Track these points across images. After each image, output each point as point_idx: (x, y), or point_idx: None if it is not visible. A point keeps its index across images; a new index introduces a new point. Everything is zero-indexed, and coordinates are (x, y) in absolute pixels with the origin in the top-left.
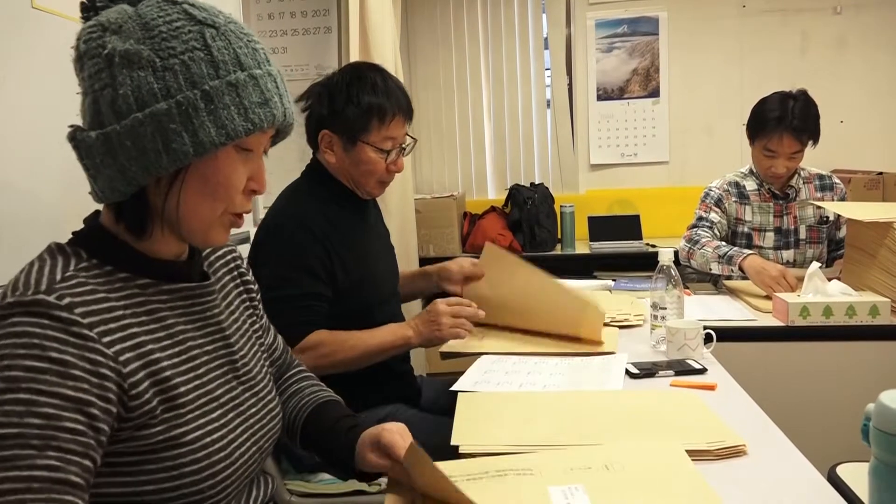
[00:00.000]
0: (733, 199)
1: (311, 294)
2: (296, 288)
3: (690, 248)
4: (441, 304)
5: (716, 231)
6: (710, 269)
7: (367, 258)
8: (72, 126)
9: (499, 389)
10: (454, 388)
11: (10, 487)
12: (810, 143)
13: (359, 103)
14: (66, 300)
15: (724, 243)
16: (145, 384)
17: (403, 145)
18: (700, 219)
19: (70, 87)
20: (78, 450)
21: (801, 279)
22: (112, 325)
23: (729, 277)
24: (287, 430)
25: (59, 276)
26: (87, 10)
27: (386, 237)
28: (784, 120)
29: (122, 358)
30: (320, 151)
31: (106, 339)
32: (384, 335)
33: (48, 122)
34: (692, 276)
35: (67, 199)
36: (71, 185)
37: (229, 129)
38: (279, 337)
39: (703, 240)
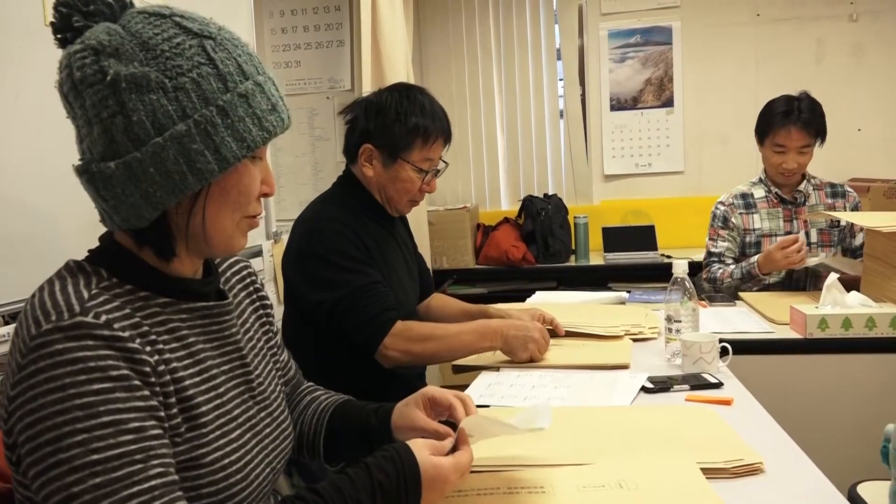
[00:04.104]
0: (739, 211)
1: (380, 282)
2: (364, 277)
3: (715, 284)
4: (538, 326)
5: (726, 258)
6: (745, 290)
7: (394, 273)
8: (81, 159)
9: (503, 403)
10: None
11: (140, 500)
12: (818, 142)
13: (406, 122)
14: (104, 318)
15: (734, 266)
16: (172, 399)
17: (437, 168)
18: (710, 254)
19: None
20: (167, 452)
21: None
22: (142, 341)
23: (765, 284)
24: (307, 439)
25: (86, 295)
26: (63, 31)
27: (411, 255)
28: (791, 114)
29: (159, 369)
30: (357, 164)
31: (147, 349)
32: (472, 339)
33: (60, 138)
34: (708, 288)
35: (82, 215)
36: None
37: (248, 141)
38: (291, 357)
39: (718, 273)
